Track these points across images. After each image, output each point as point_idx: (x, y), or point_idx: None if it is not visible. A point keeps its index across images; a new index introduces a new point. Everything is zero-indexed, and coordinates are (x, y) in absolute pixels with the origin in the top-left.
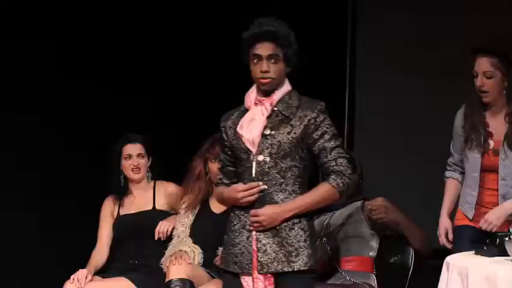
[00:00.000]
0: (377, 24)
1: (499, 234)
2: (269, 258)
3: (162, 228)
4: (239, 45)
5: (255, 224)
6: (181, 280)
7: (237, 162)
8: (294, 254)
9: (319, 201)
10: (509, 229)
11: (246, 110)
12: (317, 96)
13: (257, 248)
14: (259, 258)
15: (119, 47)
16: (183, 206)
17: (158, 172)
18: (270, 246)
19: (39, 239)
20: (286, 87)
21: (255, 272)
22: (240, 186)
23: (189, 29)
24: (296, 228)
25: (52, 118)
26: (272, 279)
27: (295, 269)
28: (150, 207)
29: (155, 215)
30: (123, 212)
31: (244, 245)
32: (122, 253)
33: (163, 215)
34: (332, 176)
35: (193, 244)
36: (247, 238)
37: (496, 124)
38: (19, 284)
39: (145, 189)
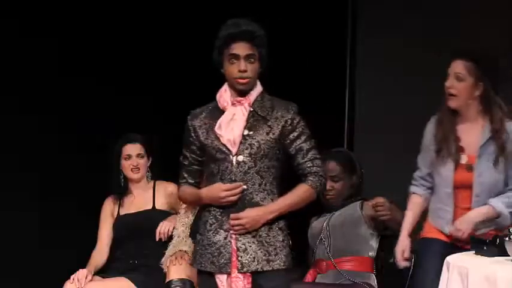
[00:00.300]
0: (377, 24)
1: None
2: (249, 258)
3: (163, 228)
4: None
5: (237, 227)
6: (182, 280)
7: (207, 163)
8: (273, 253)
9: (299, 202)
10: (509, 229)
11: (218, 110)
12: (317, 96)
13: (237, 247)
14: (239, 258)
15: (119, 47)
16: (183, 205)
17: (158, 172)
18: (250, 246)
19: (39, 239)
20: (259, 87)
21: (235, 271)
22: (224, 185)
23: (189, 28)
24: (275, 228)
25: (52, 118)
26: (250, 278)
27: (275, 268)
28: (149, 207)
29: (155, 215)
30: (123, 212)
31: (222, 245)
32: (122, 253)
33: (163, 214)
34: (310, 177)
35: (193, 244)
36: (225, 238)
37: (469, 137)
38: (19, 284)
39: (145, 189)
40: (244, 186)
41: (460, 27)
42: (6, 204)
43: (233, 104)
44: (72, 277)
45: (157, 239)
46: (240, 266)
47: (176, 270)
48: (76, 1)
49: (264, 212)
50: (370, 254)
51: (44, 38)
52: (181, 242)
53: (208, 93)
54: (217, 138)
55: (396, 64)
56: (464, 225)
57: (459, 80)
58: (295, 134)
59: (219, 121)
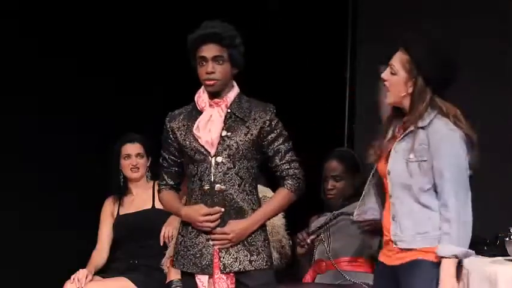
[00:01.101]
0: (378, 23)
1: None
2: (231, 258)
3: (167, 233)
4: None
5: (224, 241)
6: (182, 281)
7: (187, 164)
8: (255, 253)
9: (280, 208)
10: (509, 229)
11: (196, 111)
12: (317, 96)
13: (218, 248)
14: (221, 259)
15: (119, 46)
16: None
17: (158, 172)
18: (232, 247)
19: (38, 239)
20: (236, 89)
21: (217, 272)
22: (203, 209)
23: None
24: (257, 229)
25: (52, 118)
26: (233, 278)
27: (257, 268)
28: (149, 207)
29: (155, 214)
30: (122, 211)
31: (204, 246)
32: (122, 253)
33: (163, 214)
34: (288, 181)
35: None
36: (207, 240)
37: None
38: (19, 283)
39: (145, 188)
40: (222, 209)
41: (460, 28)
42: (5, 204)
43: (210, 106)
44: (72, 277)
45: (161, 243)
46: (222, 266)
47: (176, 270)
48: (77, 2)
49: (248, 223)
50: (370, 254)
51: (43, 38)
52: None
53: None
54: (196, 140)
55: None
56: None
57: (392, 73)
58: (273, 135)
59: (196, 122)
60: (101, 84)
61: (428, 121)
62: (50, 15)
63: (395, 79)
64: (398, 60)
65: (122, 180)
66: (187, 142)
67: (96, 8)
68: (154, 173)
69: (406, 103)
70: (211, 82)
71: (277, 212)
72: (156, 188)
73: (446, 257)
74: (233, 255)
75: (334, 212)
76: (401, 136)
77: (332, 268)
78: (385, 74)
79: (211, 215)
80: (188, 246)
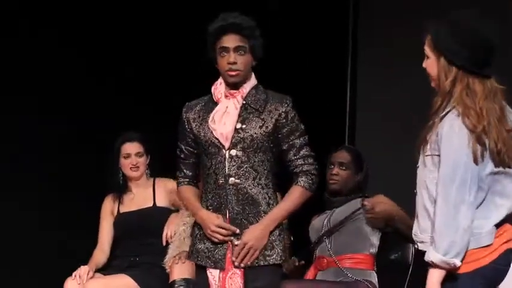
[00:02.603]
0: (379, 21)
1: None
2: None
3: (170, 232)
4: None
5: (246, 253)
6: (185, 280)
7: (202, 156)
8: (269, 247)
9: (296, 206)
10: None
11: (212, 103)
12: (318, 94)
13: (232, 243)
14: (234, 253)
15: (118, 46)
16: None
17: (158, 170)
18: (254, 253)
19: (40, 237)
20: (253, 80)
21: (230, 267)
22: (218, 220)
23: (189, 27)
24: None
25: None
26: (243, 275)
27: (271, 263)
28: (150, 205)
29: (156, 212)
30: (123, 209)
31: (218, 240)
32: (123, 250)
33: (164, 211)
34: (302, 178)
35: None
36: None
37: None
38: (20, 280)
39: (145, 186)
40: (237, 230)
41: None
42: (7, 204)
43: (226, 97)
44: (74, 274)
45: (164, 243)
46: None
47: (179, 270)
48: (75, 2)
49: (264, 226)
50: (371, 251)
51: (41, 38)
52: (183, 243)
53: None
54: (211, 132)
55: (398, 61)
56: None
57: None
58: (289, 128)
59: (212, 114)
60: (100, 83)
61: (445, 112)
62: (48, 14)
63: (429, 62)
64: (427, 43)
65: (122, 178)
66: (202, 134)
67: (93, 7)
68: (154, 170)
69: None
70: (234, 73)
71: (293, 210)
72: (157, 185)
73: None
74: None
75: (334, 209)
76: (426, 129)
77: (333, 265)
78: (424, 62)
79: (225, 229)
80: (204, 239)
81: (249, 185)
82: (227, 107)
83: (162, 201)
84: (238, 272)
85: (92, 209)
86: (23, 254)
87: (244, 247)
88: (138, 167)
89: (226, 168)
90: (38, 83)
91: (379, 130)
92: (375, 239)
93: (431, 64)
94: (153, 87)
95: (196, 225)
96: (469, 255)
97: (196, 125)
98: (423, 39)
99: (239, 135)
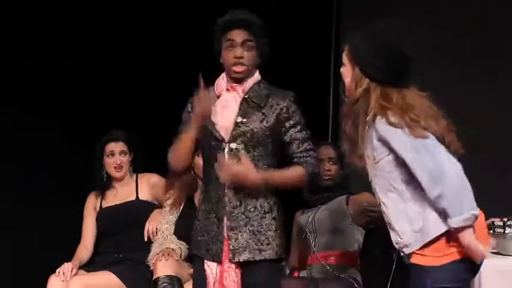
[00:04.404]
0: (362, 14)
1: None
2: (240, 247)
3: (151, 228)
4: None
5: (225, 170)
6: (169, 277)
7: (202, 148)
8: (266, 242)
9: (290, 180)
10: (492, 222)
11: (217, 96)
12: (301, 92)
13: (228, 236)
14: (230, 247)
15: (103, 47)
16: (168, 202)
17: (142, 167)
18: (242, 235)
19: (22, 235)
20: (257, 76)
21: (226, 260)
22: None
23: (178, 27)
24: (267, 218)
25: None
26: (239, 270)
27: (267, 258)
28: (133, 198)
29: (139, 205)
30: (105, 205)
31: (216, 233)
32: (106, 246)
33: (147, 205)
34: (306, 164)
35: (178, 240)
36: (218, 227)
37: None
38: (3, 278)
39: (128, 182)
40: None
41: (449, 23)
42: None
43: (227, 90)
44: (57, 271)
45: (145, 239)
46: (231, 255)
47: (163, 266)
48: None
49: (254, 173)
50: (355, 248)
51: (42, 38)
52: (167, 240)
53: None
54: (212, 125)
55: None
56: None
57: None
58: (291, 122)
59: (213, 108)
60: (83, 83)
61: (367, 126)
62: (32, 14)
63: (344, 70)
64: (345, 52)
65: (105, 176)
66: (203, 126)
67: (81, 7)
68: (137, 167)
69: None
70: (241, 69)
71: (285, 181)
72: (140, 180)
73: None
74: (243, 244)
75: (319, 206)
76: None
77: (317, 262)
78: (341, 68)
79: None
80: (203, 232)
81: None
82: (227, 101)
83: (145, 195)
84: (233, 266)
85: (75, 206)
86: (4, 251)
87: (226, 167)
88: (121, 166)
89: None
90: (21, 85)
91: None
92: (359, 235)
93: (346, 72)
94: (136, 88)
95: (198, 217)
96: (445, 245)
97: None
98: (343, 47)
99: (239, 128)
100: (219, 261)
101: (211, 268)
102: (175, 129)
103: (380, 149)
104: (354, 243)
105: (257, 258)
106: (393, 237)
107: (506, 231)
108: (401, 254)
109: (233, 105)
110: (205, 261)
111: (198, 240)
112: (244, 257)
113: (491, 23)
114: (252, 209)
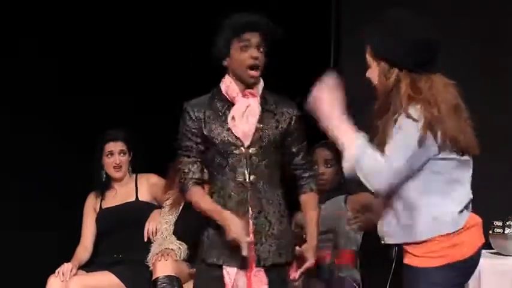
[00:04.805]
0: (362, 13)
1: None
2: (264, 252)
3: (151, 228)
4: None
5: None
6: (169, 277)
7: (212, 156)
8: (285, 246)
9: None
10: (493, 222)
11: (219, 102)
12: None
13: (255, 241)
14: (257, 252)
15: (100, 41)
16: (168, 202)
17: (141, 168)
18: (266, 240)
19: (22, 235)
20: (262, 82)
21: (253, 265)
22: (239, 230)
23: (170, 21)
24: (283, 222)
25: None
26: (267, 273)
27: (288, 261)
28: (133, 199)
29: (138, 206)
30: (105, 205)
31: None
32: (106, 247)
33: (147, 205)
34: (311, 184)
35: (178, 241)
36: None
37: None
38: (3, 278)
39: (128, 182)
40: (252, 240)
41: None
42: None
43: (245, 96)
44: (57, 271)
45: (145, 239)
46: (257, 260)
47: (162, 267)
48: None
49: (314, 241)
50: (354, 247)
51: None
52: (166, 240)
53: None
54: (228, 130)
55: None
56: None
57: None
58: (298, 133)
59: (232, 112)
60: (80, 83)
61: (397, 114)
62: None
63: (371, 71)
64: (368, 53)
65: (105, 176)
66: (215, 132)
67: (77, 8)
68: (136, 167)
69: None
70: (255, 72)
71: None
72: (139, 180)
73: None
74: (266, 248)
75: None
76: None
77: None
78: (367, 72)
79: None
80: (221, 237)
81: (265, 184)
82: (248, 106)
83: (144, 196)
84: (263, 270)
85: (75, 207)
86: (4, 251)
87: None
88: (120, 166)
89: (245, 166)
90: (14, 84)
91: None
92: (358, 235)
93: (373, 73)
94: (135, 88)
95: (211, 225)
96: (437, 247)
97: (208, 123)
98: (364, 48)
99: (258, 133)
100: (245, 267)
101: (230, 274)
102: (173, 128)
103: None
104: (352, 243)
105: (276, 261)
106: (379, 226)
107: (505, 232)
108: (382, 242)
109: (256, 111)
110: (224, 268)
111: (213, 247)
112: (269, 261)
113: (491, 23)
114: (272, 214)
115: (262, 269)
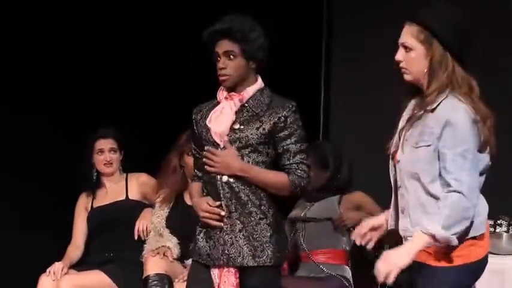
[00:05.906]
0: (352, 17)
1: None
2: (235, 252)
3: (142, 227)
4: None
5: (210, 162)
6: (159, 275)
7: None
8: (260, 249)
9: (270, 181)
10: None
11: (218, 104)
12: (292, 88)
13: (224, 241)
14: (226, 251)
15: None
16: (158, 199)
17: (132, 166)
18: (237, 241)
19: (13, 235)
20: (258, 84)
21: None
22: (205, 205)
23: (169, 23)
24: (262, 224)
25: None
26: (238, 274)
27: (260, 264)
28: (123, 198)
29: (129, 205)
30: (96, 204)
31: (217, 239)
32: (97, 245)
33: (137, 204)
34: (293, 176)
35: (174, 237)
36: (219, 232)
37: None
38: None
39: (118, 181)
40: (223, 213)
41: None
42: None
43: (226, 99)
44: (48, 270)
45: (136, 237)
46: (225, 259)
47: (153, 264)
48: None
49: (238, 161)
50: (346, 247)
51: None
52: (162, 237)
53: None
54: (208, 131)
55: (372, 57)
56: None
57: (407, 50)
58: (286, 132)
59: (210, 114)
60: (80, 83)
61: (437, 103)
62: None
63: (414, 54)
64: (409, 34)
65: (95, 174)
66: (202, 133)
67: (72, 8)
68: (127, 166)
69: (425, 81)
70: (223, 78)
71: (266, 182)
72: (129, 179)
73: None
74: (237, 249)
75: (313, 202)
76: (412, 122)
77: (307, 259)
78: (399, 55)
79: (212, 213)
80: (206, 238)
81: (241, 184)
82: (223, 108)
83: (134, 194)
84: (232, 271)
85: (66, 206)
86: None
87: (212, 154)
88: (111, 163)
89: None
90: (14, 84)
91: (354, 122)
92: (350, 234)
93: (418, 56)
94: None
95: (199, 225)
96: (457, 247)
97: (200, 125)
98: (403, 29)
99: (235, 135)
100: (219, 265)
101: (214, 274)
102: (173, 128)
103: (427, 136)
104: (344, 242)
105: (250, 263)
106: (404, 223)
107: (496, 230)
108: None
109: (228, 112)
110: (212, 268)
111: (200, 247)
112: (238, 262)
113: (491, 23)
114: (246, 214)
115: (233, 270)
